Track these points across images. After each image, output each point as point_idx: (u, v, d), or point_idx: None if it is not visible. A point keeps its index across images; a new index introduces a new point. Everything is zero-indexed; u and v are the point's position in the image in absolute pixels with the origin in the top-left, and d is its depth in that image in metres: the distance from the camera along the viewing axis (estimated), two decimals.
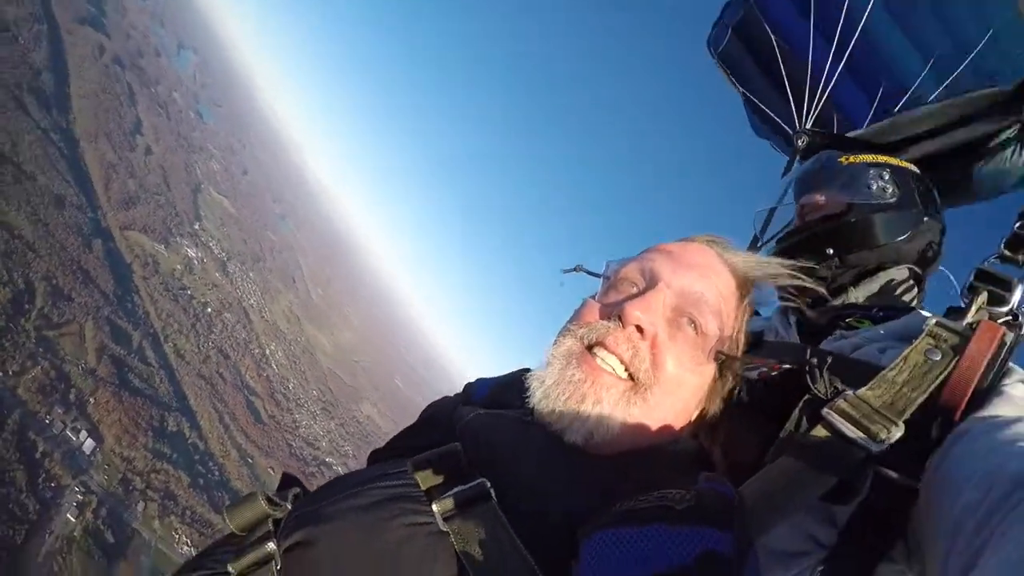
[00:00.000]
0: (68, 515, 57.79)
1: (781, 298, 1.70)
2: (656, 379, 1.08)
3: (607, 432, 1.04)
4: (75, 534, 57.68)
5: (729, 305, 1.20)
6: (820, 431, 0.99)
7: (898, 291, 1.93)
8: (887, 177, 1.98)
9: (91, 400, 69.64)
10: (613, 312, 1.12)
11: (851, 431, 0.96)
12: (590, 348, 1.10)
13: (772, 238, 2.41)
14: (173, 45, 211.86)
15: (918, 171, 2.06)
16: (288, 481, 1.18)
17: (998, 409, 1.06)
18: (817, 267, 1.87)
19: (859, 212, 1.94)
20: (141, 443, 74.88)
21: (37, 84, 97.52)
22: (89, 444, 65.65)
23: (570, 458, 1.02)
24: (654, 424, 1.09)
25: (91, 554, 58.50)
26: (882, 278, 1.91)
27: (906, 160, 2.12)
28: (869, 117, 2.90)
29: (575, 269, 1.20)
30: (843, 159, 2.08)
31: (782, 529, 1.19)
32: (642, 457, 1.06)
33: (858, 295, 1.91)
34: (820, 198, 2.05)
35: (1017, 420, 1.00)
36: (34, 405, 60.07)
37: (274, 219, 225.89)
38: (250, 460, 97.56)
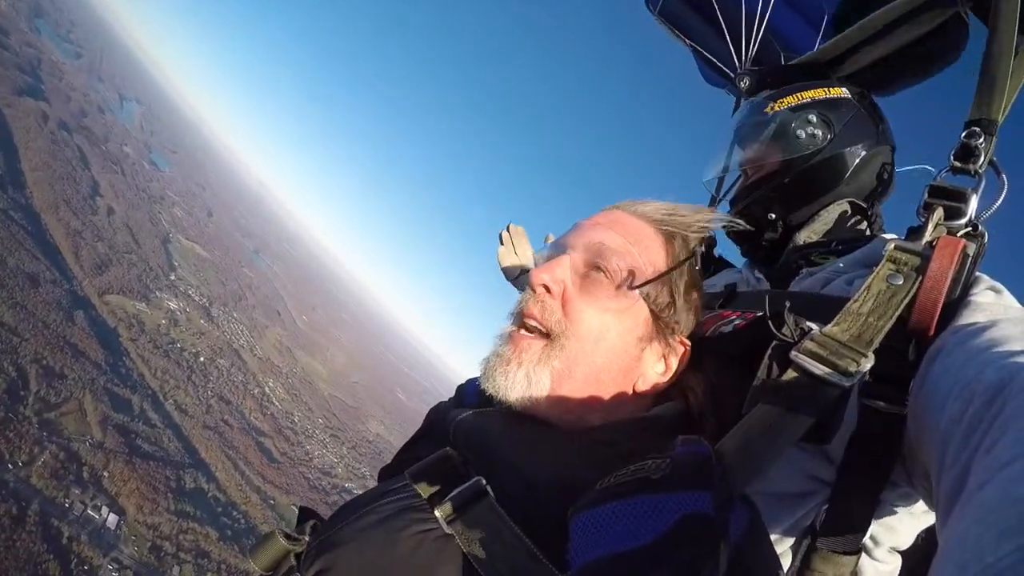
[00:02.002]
0: None
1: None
2: (570, 327, 1.10)
3: (541, 388, 1.07)
4: None
5: (645, 247, 1.18)
6: (791, 374, 0.99)
7: (846, 227, 1.86)
8: (814, 120, 1.89)
9: (105, 474, 68.40)
10: (528, 284, 1.16)
11: (821, 370, 0.96)
12: (520, 323, 1.14)
13: (723, 197, 2.35)
14: (115, 98, 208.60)
15: (848, 95, 1.94)
16: (306, 515, 1.19)
17: (969, 319, 1.08)
18: (751, 225, 1.84)
19: (793, 169, 1.87)
20: (163, 507, 73.67)
21: None
22: (112, 519, 64.44)
23: (556, 441, 1.04)
24: (593, 370, 1.10)
25: None
26: (823, 216, 1.85)
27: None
28: (816, 47, 2.62)
29: (522, 274, 1.15)
30: (768, 107, 1.98)
31: (781, 472, 1.24)
32: (625, 426, 1.08)
33: (804, 237, 1.84)
34: (752, 153, 2.00)
35: (989, 326, 1.01)
36: (50, 491, 58.58)
37: (248, 255, 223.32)
38: (272, 501, 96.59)
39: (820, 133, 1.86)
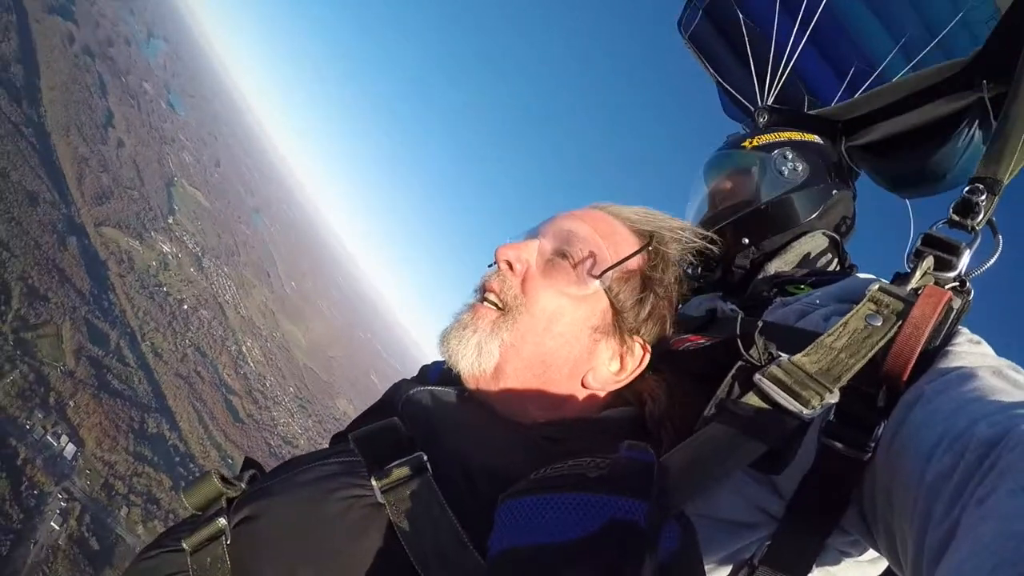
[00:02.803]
0: (52, 523, 56.50)
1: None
2: (525, 304, 1.11)
3: (489, 357, 1.08)
4: (60, 542, 56.42)
5: (613, 241, 1.17)
6: (752, 398, 0.97)
7: (819, 262, 1.92)
8: (790, 156, 1.98)
9: (71, 403, 68.09)
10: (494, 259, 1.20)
11: (783, 398, 0.94)
12: (483, 298, 1.16)
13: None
14: (143, 33, 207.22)
15: (821, 141, 2.08)
16: (249, 464, 1.20)
17: (947, 366, 1.06)
18: (728, 254, 1.89)
19: (768, 197, 1.94)
20: (122, 446, 73.49)
21: (7, 77, 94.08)
22: (70, 449, 64.17)
23: (500, 430, 1.04)
24: (541, 352, 1.10)
25: (77, 563, 57.24)
26: (796, 247, 1.89)
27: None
28: (838, 96, 2.85)
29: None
30: (747, 142, 2.06)
31: (727, 498, 1.21)
32: (572, 424, 1.07)
33: (776, 267, 1.87)
34: (727, 184, 2.04)
35: (970, 375, 0.99)
36: (14, 410, 58.49)
37: (248, 212, 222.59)
38: (230, 460, 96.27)
39: (800, 167, 1.97)
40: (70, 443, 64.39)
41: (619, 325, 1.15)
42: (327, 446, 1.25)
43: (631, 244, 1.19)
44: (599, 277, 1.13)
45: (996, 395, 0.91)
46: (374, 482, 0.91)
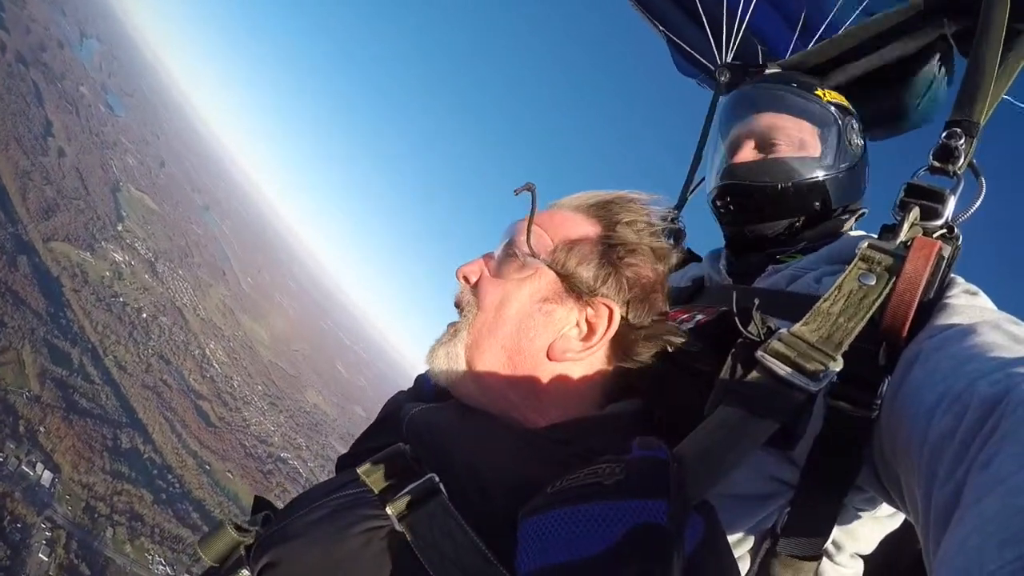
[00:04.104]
0: (40, 555, 55.34)
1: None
2: (476, 302, 1.12)
3: (458, 361, 1.09)
4: (51, 573, 55.45)
5: (557, 224, 1.15)
6: (755, 375, 0.95)
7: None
8: (857, 127, 1.74)
9: (41, 429, 66.13)
10: None
11: (787, 372, 0.93)
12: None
13: (695, 186, 2.28)
14: (76, 35, 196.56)
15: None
16: (259, 505, 1.19)
17: (946, 322, 1.05)
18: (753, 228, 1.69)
19: (841, 164, 1.68)
20: (98, 466, 71.95)
21: None
22: (47, 476, 62.61)
23: (511, 438, 1.03)
24: (496, 339, 1.09)
25: None
26: (847, 225, 1.72)
27: (831, 87, 1.87)
28: (791, 47, 2.74)
29: (526, 188, 1.14)
30: (819, 92, 1.74)
31: (743, 474, 1.21)
32: (583, 424, 1.06)
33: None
34: (797, 130, 1.68)
35: (969, 331, 0.98)
36: None
37: (197, 211, 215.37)
38: (207, 467, 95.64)
39: (861, 142, 1.75)
40: (46, 470, 62.78)
41: (572, 289, 1.10)
42: (333, 467, 1.27)
43: (575, 221, 1.16)
44: (539, 255, 1.11)
45: (995, 351, 0.92)
46: (389, 510, 0.89)
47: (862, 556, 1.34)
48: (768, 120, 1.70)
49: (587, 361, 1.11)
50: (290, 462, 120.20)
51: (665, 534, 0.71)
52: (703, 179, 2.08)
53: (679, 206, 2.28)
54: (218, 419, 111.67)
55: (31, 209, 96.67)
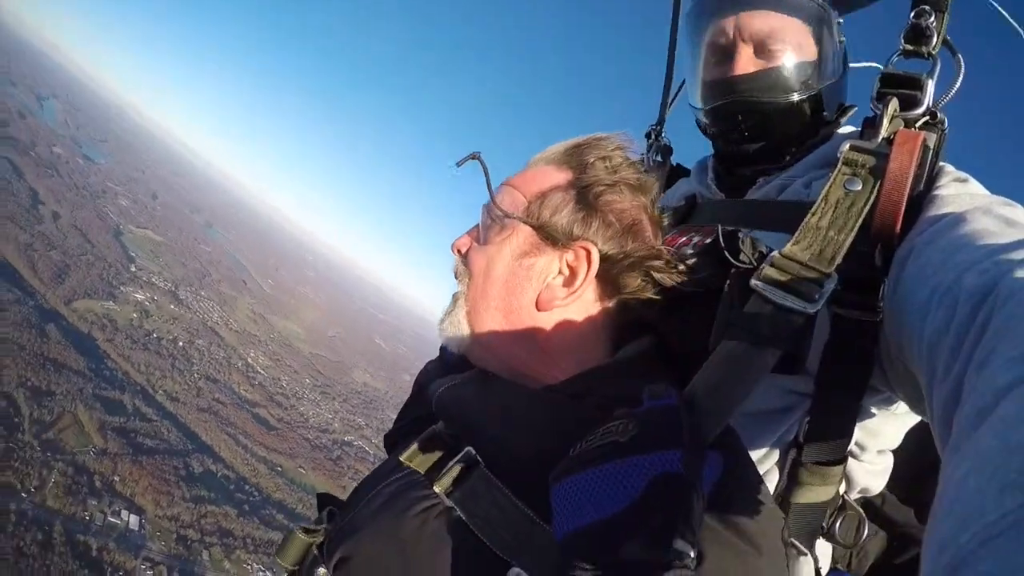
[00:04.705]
0: None
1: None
2: (467, 271, 1.15)
3: (461, 328, 1.12)
4: None
5: (528, 181, 1.16)
6: (754, 305, 0.95)
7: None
8: (841, 23, 1.58)
9: (116, 478, 69.45)
10: None
11: (783, 298, 0.92)
12: None
13: (675, 96, 2.04)
14: (33, 100, 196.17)
15: None
16: (324, 501, 1.23)
17: (936, 213, 1.03)
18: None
19: (836, 67, 1.54)
20: (178, 497, 75.26)
21: None
22: (134, 520, 65.97)
23: (531, 400, 1.05)
24: (489, 301, 1.11)
25: None
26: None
27: None
28: None
29: (471, 158, 1.13)
30: None
31: (757, 392, 1.16)
32: (595, 374, 1.07)
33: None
34: (791, 31, 1.47)
35: (959, 220, 0.97)
36: (69, 509, 59.70)
37: (201, 230, 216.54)
38: (279, 468, 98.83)
39: (843, 40, 1.58)
40: (131, 515, 66.16)
41: (548, 239, 1.11)
42: (382, 446, 1.34)
43: (546, 173, 1.16)
44: (513, 214, 1.12)
45: (984, 239, 0.90)
46: (437, 488, 0.94)
47: (890, 450, 1.33)
48: (762, 20, 1.47)
49: (581, 305, 1.10)
50: (355, 443, 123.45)
51: (683, 481, 0.74)
52: (681, 85, 1.88)
53: (660, 121, 2.12)
54: (277, 421, 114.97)
55: (44, 278, 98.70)
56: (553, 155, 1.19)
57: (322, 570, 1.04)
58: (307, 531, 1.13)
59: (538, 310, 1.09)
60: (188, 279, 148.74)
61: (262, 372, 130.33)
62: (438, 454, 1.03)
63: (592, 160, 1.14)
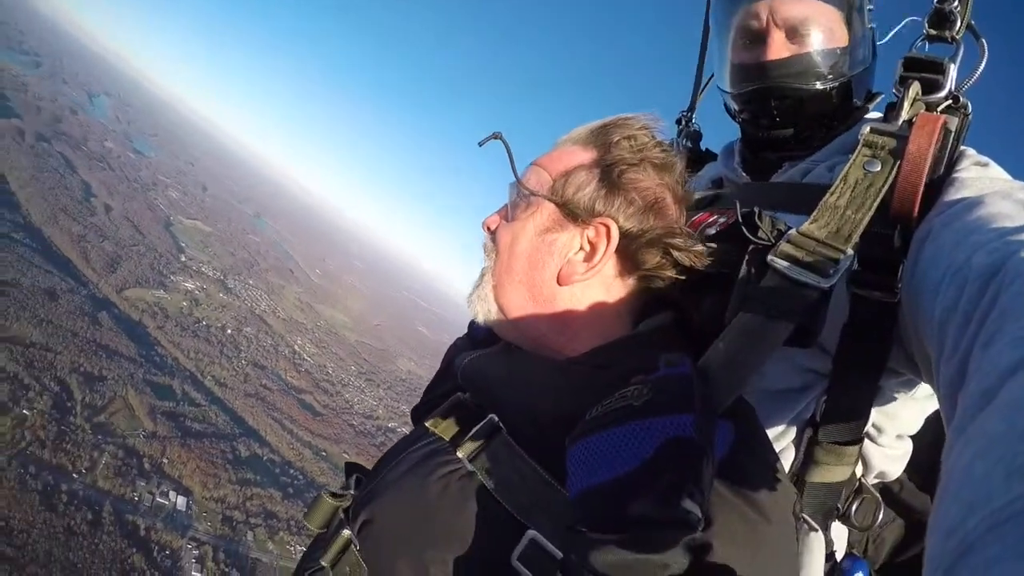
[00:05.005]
0: (194, 572, 60.42)
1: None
2: (494, 248, 1.17)
3: (490, 304, 1.16)
4: None
5: (554, 160, 1.18)
6: (770, 279, 0.97)
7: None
8: (868, 4, 1.53)
9: (164, 461, 71.61)
10: None
11: (798, 273, 0.93)
12: None
13: (706, 83, 1.99)
14: (84, 97, 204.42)
15: None
16: (351, 469, 1.28)
17: (954, 196, 1.03)
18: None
19: (867, 53, 1.53)
20: (225, 479, 77.30)
21: None
22: (182, 501, 67.89)
23: (555, 371, 1.06)
24: (514, 276, 1.14)
25: None
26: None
27: None
28: None
29: (494, 136, 1.14)
30: None
31: (776, 369, 1.23)
32: (618, 345, 1.08)
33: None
34: (824, 16, 1.46)
35: (976, 203, 0.96)
36: (119, 490, 61.89)
37: (249, 221, 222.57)
38: (323, 453, 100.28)
39: (872, 26, 1.55)
40: (179, 496, 68.13)
41: (570, 215, 1.12)
42: (410, 420, 1.35)
43: (572, 152, 1.18)
44: (538, 192, 1.14)
45: (998, 221, 0.89)
46: (460, 453, 0.97)
47: (909, 436, 1.33)
48: (795, 5, 1.45)
49: (602, 280, 1.13)
50: (399, 430, 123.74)
51: (693, 445, 0.75)
52: (712, 76, 1.84)
53: (691, 107, 2.12)
54: (322, 407, 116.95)
55: (97, 268, 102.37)
56: (579, 135, 1.20)
57: (347, 531, 1.07)
58: (334, 495, 1.16)
59: (559, 285, 1.11)
60: (237, 268, 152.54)
61: (308, 359, 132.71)
62: (462, 422, 1.05)
63: (617, 139, 1.15)
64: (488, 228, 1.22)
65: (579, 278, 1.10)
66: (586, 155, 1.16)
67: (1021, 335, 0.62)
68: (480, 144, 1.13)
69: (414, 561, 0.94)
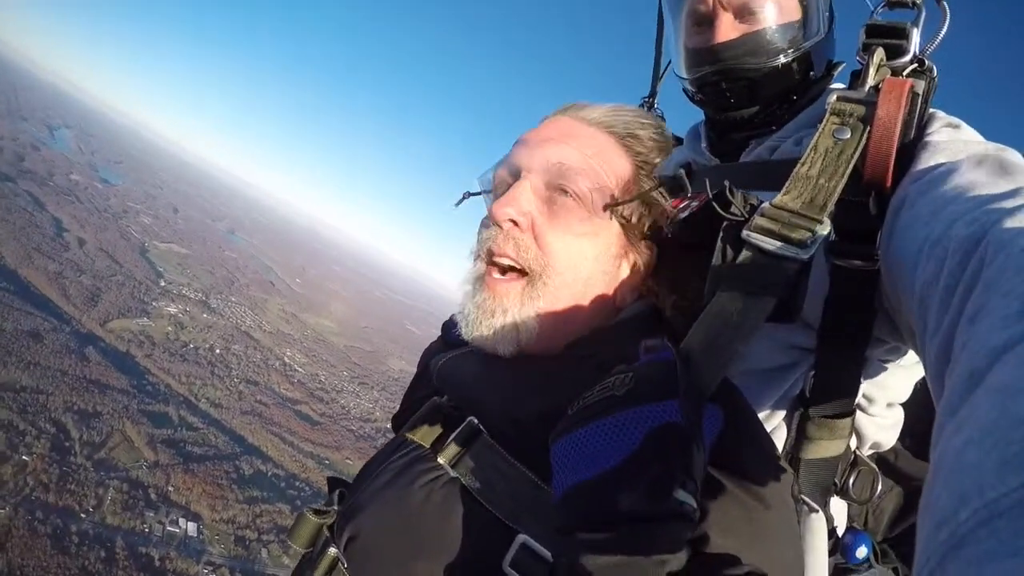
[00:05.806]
0: None
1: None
2: (548, 261, 1.07)
3: (529, 331, 1.05)
4: None
5: (605, 159, 1.13)
6: (746, 255, 0.93)
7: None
8: None
9: (170, 489, 71.26)
10: (490, 219, 1.11)
11: (775, 246, 0.90)
12: (491, 262, 1.11)
13: (664, 70, 1.99)
14: (45, 132, 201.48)
15: None
16: (333, 484, 1.24)
17: (928, 162, 1.01)
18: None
19: (823, 24, 1.50)
20: (232, 500, 77.03)
21: None
22: (192, 527, 67.73)
23: (538, 368, 1.03)
24: (575, 301, 1.08)
25: None
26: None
27: None
28: None
29: (464, 197, 1.15)
30: None
31: (761, 348, 1.22)
32: (600, 335, 1.05)
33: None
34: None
35: (951, 170, 0.95)
36: (128, 524, 61.58)
37: (224, 238, 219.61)
38: (327, 462, 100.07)
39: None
40: (189, 522, 67.97)
41: (631, 239, 1.12)
42: (391, 428, 1.32)
43: (619, 154, 1.15)
44: (607, 209, 1.09)
45: (975, 189, 0.88)
46: (441, 459, 0.95)
47: (900, 403, 1.33)
48: None
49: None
50: None
51: (680, 431, 0.72)
52: (670, 62, 1.82)
53: (652, 93, 2.10)
54: (320, 416, 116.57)
55: (77, 304, 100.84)
56: (611, 122, 1.17)
57: (333, 550, 1.03)
58: (317, 512, 1.13)
59: (614, 305, 1.11)
60: (217, 287, 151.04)
61: (300, 370, 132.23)
62: (441, 427, 1.02)
63: (646, 142, 1.17)
64: (515, 223, 1.09)
65: (623, 297, 1.11)
66: (626, 163, 1.15)
67: (1009, 312, 0.60)
68: (456, 205, 1.16)
69: (403, 574, 0.91)
